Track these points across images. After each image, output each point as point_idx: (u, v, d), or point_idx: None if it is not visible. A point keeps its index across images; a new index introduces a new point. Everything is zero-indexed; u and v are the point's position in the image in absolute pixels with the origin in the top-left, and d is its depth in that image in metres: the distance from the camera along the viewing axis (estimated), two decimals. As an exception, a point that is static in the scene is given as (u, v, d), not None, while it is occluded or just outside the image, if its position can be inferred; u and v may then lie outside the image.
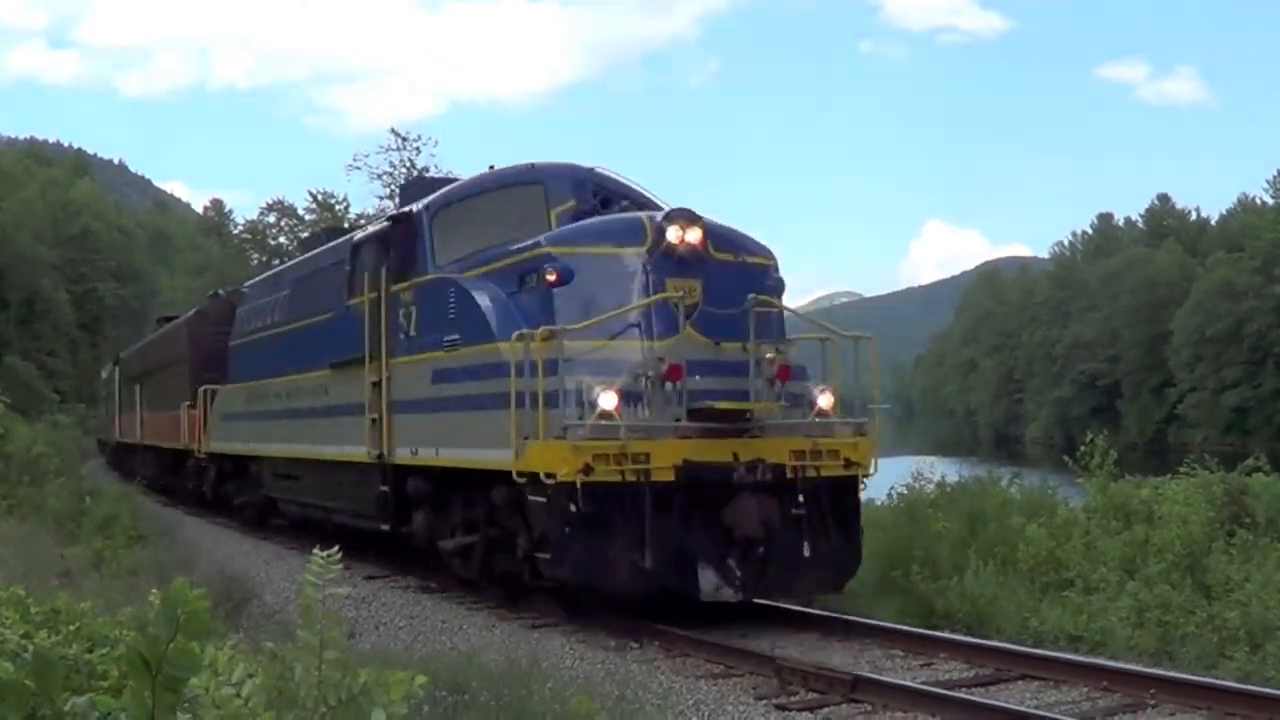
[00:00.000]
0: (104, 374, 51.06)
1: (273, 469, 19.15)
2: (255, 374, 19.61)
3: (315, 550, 2.15)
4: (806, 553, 10.53)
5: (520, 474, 10.39)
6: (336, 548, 2.23)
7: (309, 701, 1.98)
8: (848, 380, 12.27)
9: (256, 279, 24.60)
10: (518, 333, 10.61)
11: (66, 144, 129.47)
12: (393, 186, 46.98)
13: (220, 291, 28.58)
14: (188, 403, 24.01)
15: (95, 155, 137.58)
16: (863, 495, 11.72)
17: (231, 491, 22.16)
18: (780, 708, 8.17)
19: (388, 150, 51.45)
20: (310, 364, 16.45)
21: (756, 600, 11.10)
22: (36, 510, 17.98)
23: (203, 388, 22.65)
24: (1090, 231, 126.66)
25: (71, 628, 4.27)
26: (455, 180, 15.18)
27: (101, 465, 43.96)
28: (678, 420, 10.60)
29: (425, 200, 13.62)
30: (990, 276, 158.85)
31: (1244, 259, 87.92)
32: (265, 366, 18.99)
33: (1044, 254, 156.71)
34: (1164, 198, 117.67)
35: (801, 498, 10.55)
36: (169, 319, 33.69)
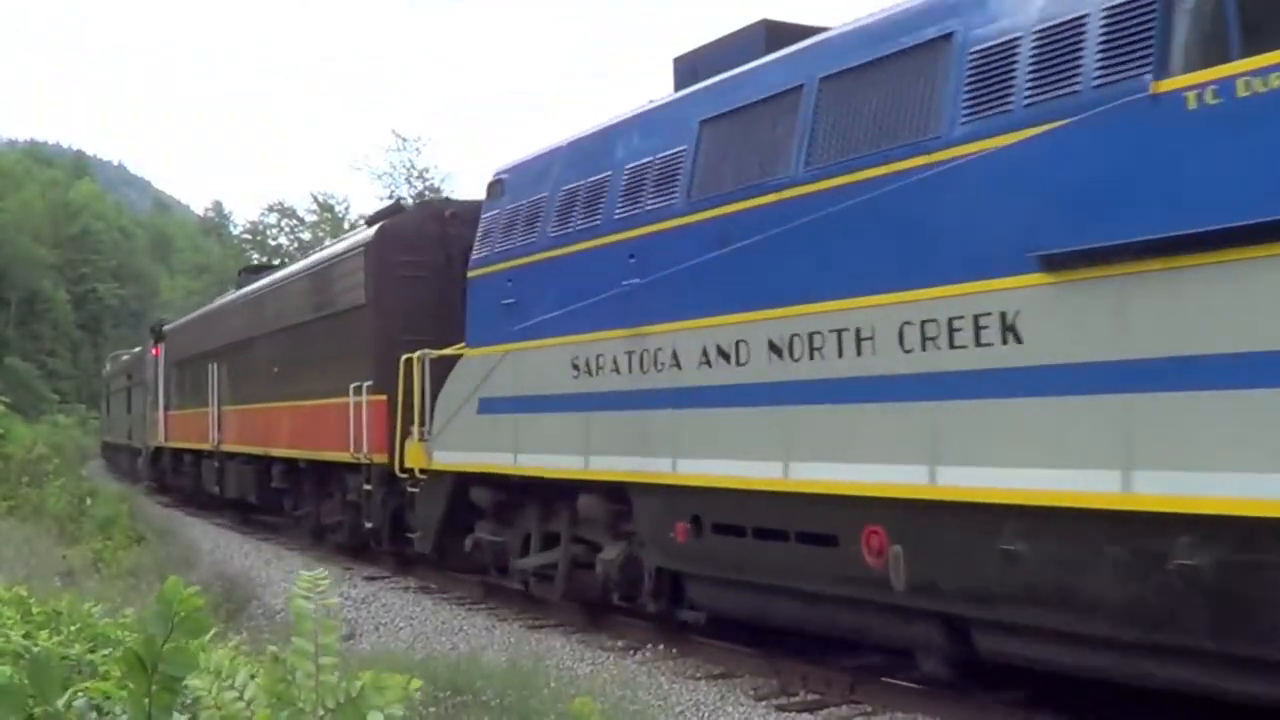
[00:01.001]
0: (108, 368, 46.92)
1: (695, 512, 8.80)
2: (601, 318, 9.66)
3: (301, 572, 2.16)
4: None
5: None
6: (323, 571, 2.22)
7: (307, 705, 1.99)
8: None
9: (553, 148, 11.37)
10: None
11: (66, 145, 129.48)
12: (393, 188, 47.09)
13: (404, 198, 16.65)
14: (365, 383, 14.24)
15: (95, 156, 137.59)
16: None
17: (493, 545, 11.78)
18: (780, 709, 8.18)
19: (389, 151, 51.61)
20: (904, 270, 7.17)
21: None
22: (36, 511, 18.00)
23: (414, 355, 12.71)
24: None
25: (74, 628, 4.27)
26: None
27: (101, 467, 43.39)
28: None
29: None
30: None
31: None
32: (645, 300, 9.18)
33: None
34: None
35: None
36: (259, 269, 25.20)
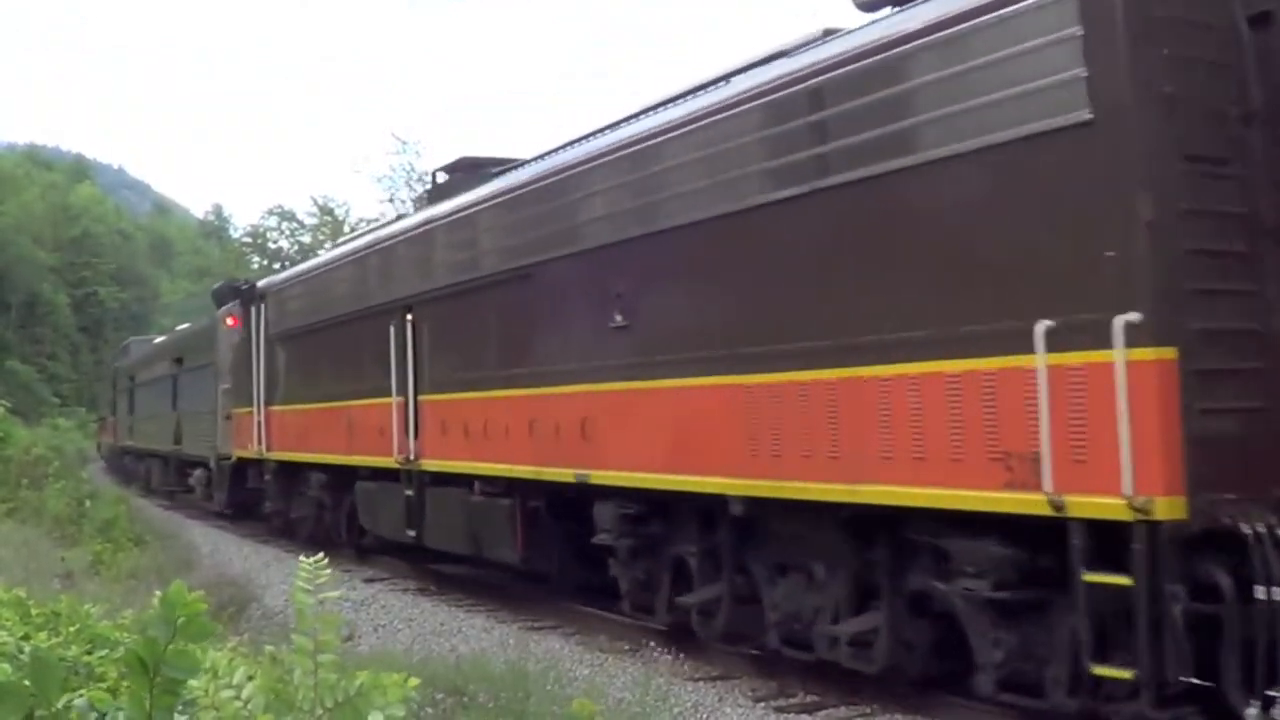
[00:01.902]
0: (125, 356, 40.10)
1: None
2: None
3: (302, 558, 2.17)
4: None
5: None
6: (322, 554, 2.24)
7: (306, 704, 2.00)
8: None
9: None
10: None
11: (66, 148, 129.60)
12: (392, 190, 47.09)
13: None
14: (1123, 317, 5.74)
15: (95, 159, 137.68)
16: None
17: None
18: (779, 710, 8.19)
19: (388, 153, 51.66)
20: None
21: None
22: (36, 513, 18.03)
23: None
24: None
25: (72, 629, 4.28)
26: None
27: (99, 473, 42.71)
28: None
29: None
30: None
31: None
32: None
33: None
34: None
35: None
36: (479, 164, 13.97)
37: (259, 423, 18.55)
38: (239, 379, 19.93)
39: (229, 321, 21.47)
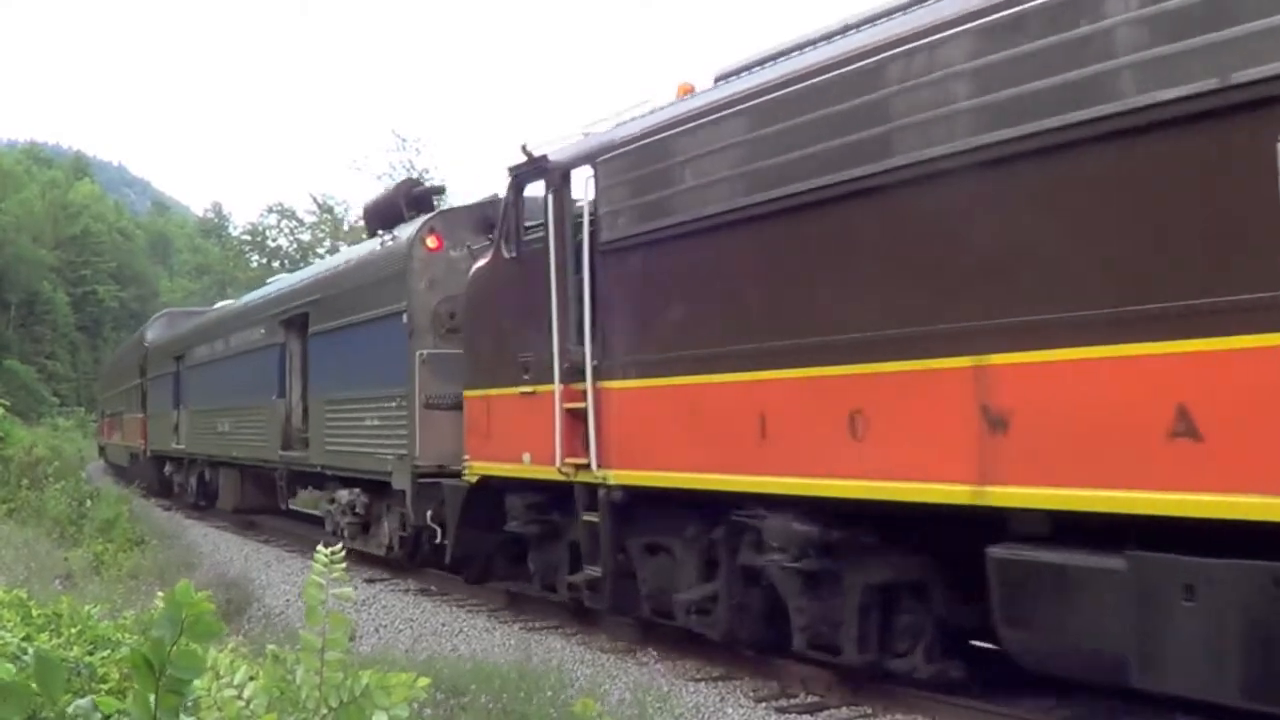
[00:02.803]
0: (156, 340, 29.45)
1: None
2: None
3: (319, 548, 2.17)
4: None
5: None
6: (341, 546, 2.24)
7: (310, 703, 2.00)
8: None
9: None
10: None
11: (66, 146, 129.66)
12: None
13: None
14: None
15: (95, 157, 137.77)
16: None
17: None
18: (780, 710, 8.18)
19: (388, 151, 51.67)
20: None
21: None
22: (37, 514, 18.02)
23: None
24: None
25: (74, 630, 4.29)
26: None
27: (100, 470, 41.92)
28: None
29: None
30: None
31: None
32: None
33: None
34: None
35: None
36: None
37: (566, 414, 9.74)
38: (483, 335, 11.50)
39: (429, 243, 13.76)
